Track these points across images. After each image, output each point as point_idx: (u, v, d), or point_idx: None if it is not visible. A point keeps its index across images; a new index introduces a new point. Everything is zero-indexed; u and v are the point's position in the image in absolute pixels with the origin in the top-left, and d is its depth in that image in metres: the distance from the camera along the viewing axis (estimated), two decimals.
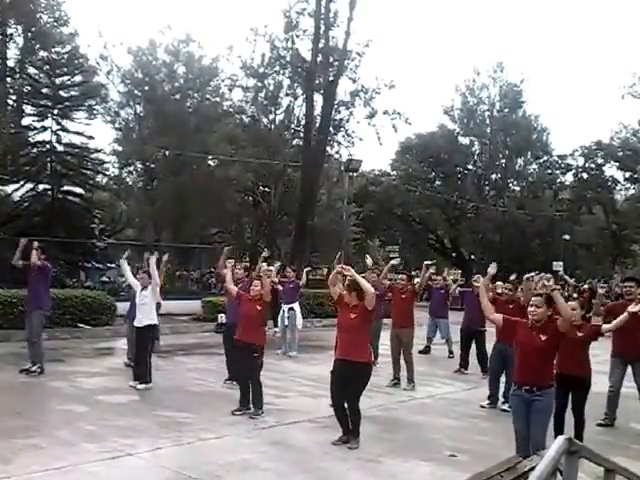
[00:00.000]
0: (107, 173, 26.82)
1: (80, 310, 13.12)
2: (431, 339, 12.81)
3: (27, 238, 9.03)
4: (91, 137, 21.50)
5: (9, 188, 19.59)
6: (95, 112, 23.42)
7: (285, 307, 11.79)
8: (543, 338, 4.92)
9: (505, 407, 7.64)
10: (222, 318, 12.73)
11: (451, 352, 12.32)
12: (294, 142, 28.63)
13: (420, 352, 12.17)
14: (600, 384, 7.39)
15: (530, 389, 4.93)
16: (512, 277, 8.60)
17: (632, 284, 7.33)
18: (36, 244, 8.79)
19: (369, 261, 9.45)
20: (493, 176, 42.21)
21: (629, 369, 7.36)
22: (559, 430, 5.84)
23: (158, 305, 8.66)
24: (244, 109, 29.11)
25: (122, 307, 12.47)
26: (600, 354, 7.42)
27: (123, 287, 18.26)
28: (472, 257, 42.48)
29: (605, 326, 6.41)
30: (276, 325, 12.59)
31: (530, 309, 5.05)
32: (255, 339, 6.97)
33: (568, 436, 3.28)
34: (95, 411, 6.88)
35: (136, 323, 8.41)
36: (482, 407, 8.04)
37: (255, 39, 24.36)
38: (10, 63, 23.88)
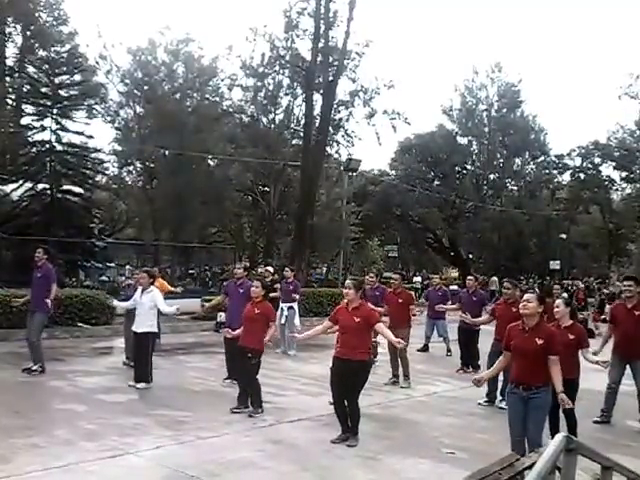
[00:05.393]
0: (106, 172, 26.86)
1: (79, 309, 13.10)
2: (429, 337, 12.87)
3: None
4: (90, 136, 21.57)
5: (8, 187, 19.60)
6: (94, 112, 23.44)
7: (284, 306, 11.82)
8: (539, 342, 4.96)
9: (502, 405, 7.66)
10: (221, 317, 12.75)
11: (449, 350, 12.40)
12: (293, 142, 28.65)
13: (418, 350, 12.23)
14: (596, 381, 7.42)
15: (527, 387, 4.97)
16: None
17: (631, 283, 7.35)
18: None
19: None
20: (491, 176, 42.27)
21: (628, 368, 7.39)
22: (554, 427, 5.87)
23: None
24: (244, 109, 29.12)
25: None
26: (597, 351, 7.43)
27: (122, 287, 18.26)
28: (470, 256, 42.56)
29: (590, 353, 6.29)
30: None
31: (522, 304, 5.13)
32: (253, 342, 6.96)
33: (566, 434, 3.31)
34: (94, 410, 6.88)
35: (134, 327, 8.38)
36: (480, 405, 8.07)
37: (255, 39, 24.42)
38: (9, 62, 23.83)
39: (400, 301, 9.37)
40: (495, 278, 29.28)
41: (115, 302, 9.70)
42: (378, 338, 9.75)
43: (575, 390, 6.09)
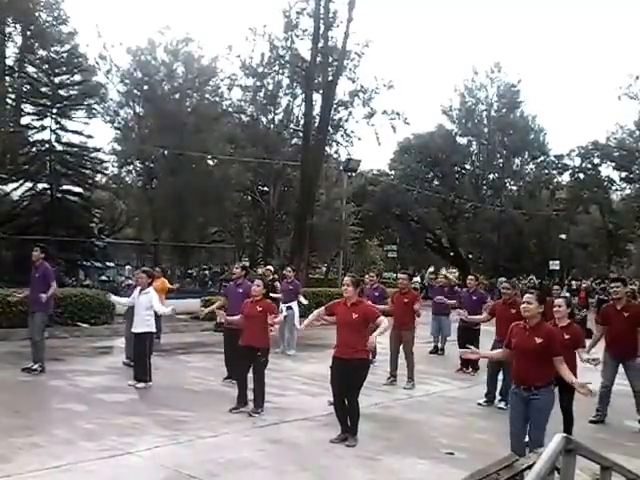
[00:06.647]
0: (106, 172, 26.77)
1: (79, 309, 13.12)
2: (437, 337, 12.89)
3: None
4: (90, 136, 21.51)
5: (8, 187, 19.57)
6: (94, 111, 23.37)
7: (283, 306, 11.82)
8: (538, 341, 4.96)
9: (501, 405, 7.70)
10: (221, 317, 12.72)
11: (442, 349, 12.63)
12: (293, 142, 28.65)
13: (431, 352, 12.48)
14: (592, 381, 7.41)
15: (528, 388, 4.97)
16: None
17: (618, 284, 7.52)
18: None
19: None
20: (491, 176, 42.27)
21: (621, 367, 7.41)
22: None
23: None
24: (243, 109, 29.12)
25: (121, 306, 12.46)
26: (594, 352, 7.44)
27: (122, 286, 18.22)
28: (470, 256, 42.57)
29: (584, 353, 6.32)
30: None
31: (522, 305, 5.13)
32: (257, 342, 6.97)
33: (565, 434, 3.31)
34: (94, 410, 6.88)
35: (132, 328, 8.43)
36: (479, 405, 8.08)
37: (254, 39, 24.48)
38: (9, 62, 23.76)
39: (406, 301, 9.27)
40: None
41: (113, 297, 9.64)
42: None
43: (572, 390, 6.10)
